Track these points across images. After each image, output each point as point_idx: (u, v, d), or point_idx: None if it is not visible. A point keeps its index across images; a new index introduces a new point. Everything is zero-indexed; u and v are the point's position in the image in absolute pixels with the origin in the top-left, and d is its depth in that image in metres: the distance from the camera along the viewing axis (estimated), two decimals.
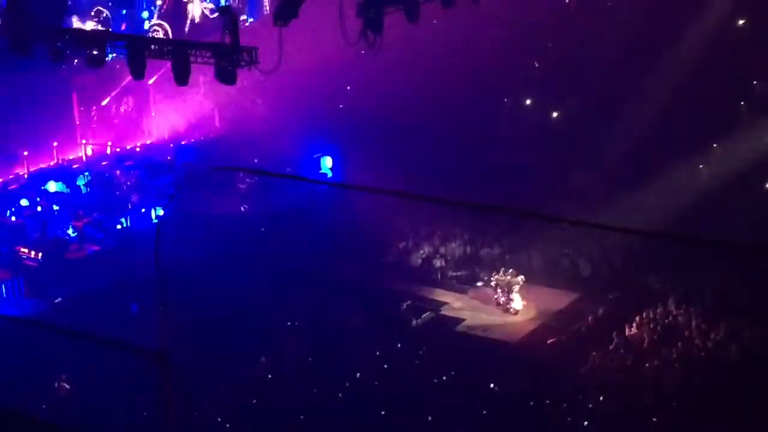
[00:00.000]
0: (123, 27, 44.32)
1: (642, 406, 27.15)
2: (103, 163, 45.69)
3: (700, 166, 40.83)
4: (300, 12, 24.71)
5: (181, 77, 25.45)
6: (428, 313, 33.80)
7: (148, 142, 48.48)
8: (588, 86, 43.71)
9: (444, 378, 28.86)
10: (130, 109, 48.50)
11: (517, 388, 28.23)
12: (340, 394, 28.03)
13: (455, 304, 34.63)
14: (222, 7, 24.55)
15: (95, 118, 47.14)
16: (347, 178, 44.06)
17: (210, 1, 47.02)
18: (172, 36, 44.90)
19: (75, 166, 45.03)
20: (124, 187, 43.42)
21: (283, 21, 24.57)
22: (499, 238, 37.63)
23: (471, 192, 37.77)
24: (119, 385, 27.51)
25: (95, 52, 26.21)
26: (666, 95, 42.14)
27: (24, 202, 41.15)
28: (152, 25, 45.86)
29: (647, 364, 29.28)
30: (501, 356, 31.06)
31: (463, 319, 33.63)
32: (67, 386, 28.35)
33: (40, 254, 37.70)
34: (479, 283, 35.37)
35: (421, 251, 37.69)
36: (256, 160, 43.70)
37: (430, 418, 26.76)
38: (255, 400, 27.80)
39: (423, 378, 28.93)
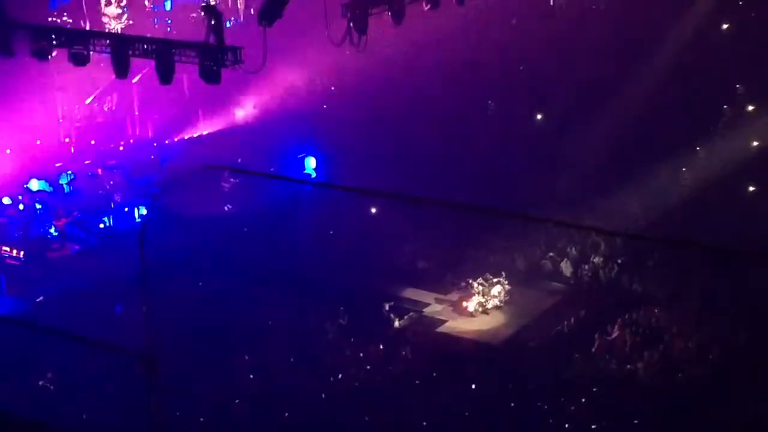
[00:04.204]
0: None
1: (624, 408, 27.21)
2: (86, 162, 45.43)
3: (684, 169, 40.94)
4: (285, 12, 24.63)
5: (165, 76, 25.33)
6: (411, 314, 33.81)
7: (132, 141, 48.24)
8: (572, 89, 43.81)
9: (426, 379, 28.86)
10: (113, 108, 48.25)
11: (500, 389, 28.27)
12: (323, 395, 28.00)
13: (438, 305, 34.62)
14: (207, 6, 24.31)
15: (79, 117, 46.89)
16: (331, 179, 43.98)
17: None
18: None
19: (58, 165, 44.75)
20: (107, 186, 43.21)
21: (268, 21, 24.47)
22: (483, 239, 37.66)
23: (455, 193, 37.76)
24: (102, 384, 27.44)
25: (79, 50, 26.05)
26: (649, 98, 42.31)
27: (6, 201, 40.91)
28: None
29: (629, 367, 29.37)
30: (483, 357, 31.11)
31: (446, 321, 33.65)
32: (50, 386, 28.20)
33: (22, 253, 37.53)
34: (462, 284, 35.39)
35: (405, 252, 37.66)
36: (239, 160, 43.59)
37: (412, 419, 26.75)
38: (237, 401, 27.75)
39: (405, 379, 28.92)
